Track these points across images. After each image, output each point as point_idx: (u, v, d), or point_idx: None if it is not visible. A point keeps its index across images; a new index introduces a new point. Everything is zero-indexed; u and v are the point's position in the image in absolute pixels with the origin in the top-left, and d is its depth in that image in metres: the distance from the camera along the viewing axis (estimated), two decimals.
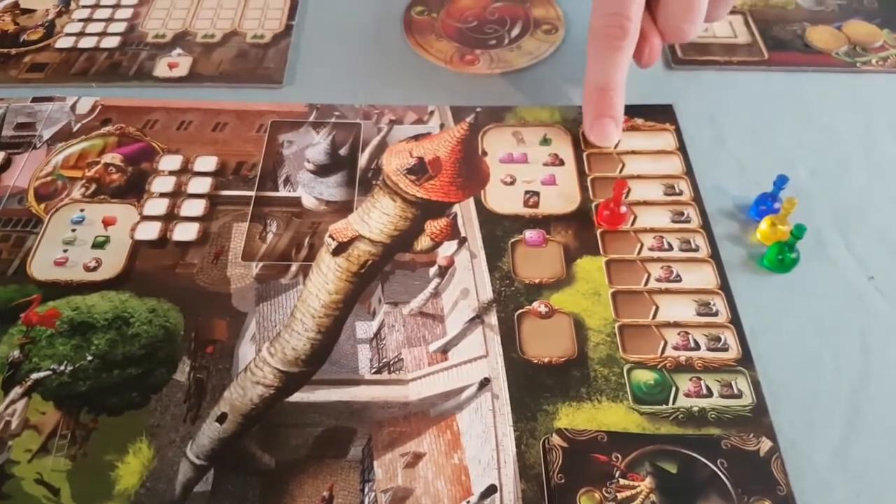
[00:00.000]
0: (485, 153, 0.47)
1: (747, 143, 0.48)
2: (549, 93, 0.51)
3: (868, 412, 0.36)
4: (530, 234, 0.43)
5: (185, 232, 0.43)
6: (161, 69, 0.53)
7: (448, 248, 0.42)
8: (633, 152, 0.47)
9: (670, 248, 0.42)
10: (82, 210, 0.45)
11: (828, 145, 0.48)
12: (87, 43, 0.55)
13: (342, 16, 0.57)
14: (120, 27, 0.56)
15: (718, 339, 0.38)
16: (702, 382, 0.37)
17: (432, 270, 0.42)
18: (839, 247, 0.43)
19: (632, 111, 0.48)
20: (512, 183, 0.46)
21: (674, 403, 0.36)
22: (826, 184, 0.45)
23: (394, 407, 0.37)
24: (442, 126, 0.49)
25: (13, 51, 0.55)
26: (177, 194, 0.46)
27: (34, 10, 0.58)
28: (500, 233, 0.43)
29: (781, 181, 0.43)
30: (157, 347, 0.39)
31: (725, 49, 0.53)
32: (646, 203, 0.44)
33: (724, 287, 0.40)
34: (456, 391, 0.37)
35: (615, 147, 0.47)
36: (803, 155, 0.47)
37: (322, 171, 0.47)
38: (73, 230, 0.44)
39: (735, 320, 0.39)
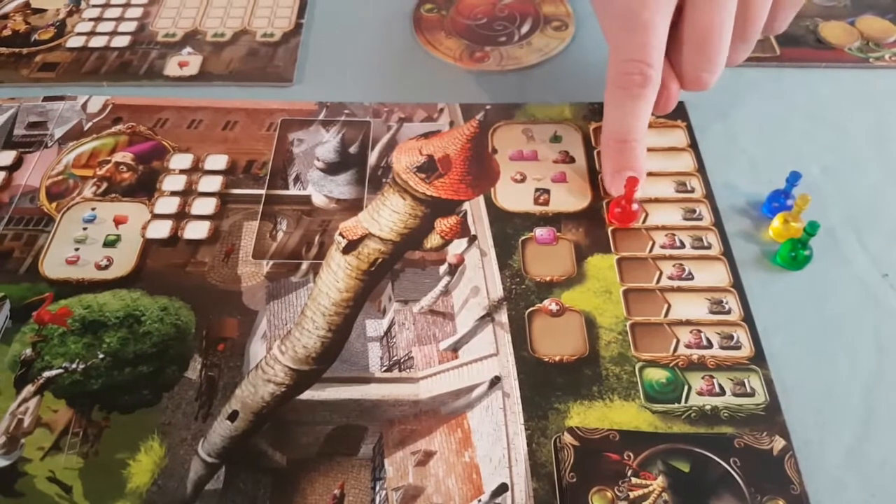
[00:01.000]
0: (495, 151, 0.47)
1: (759, 139, 0.47)
2: (559, 90, 0.51)
3: (882, 411, 0.36)
4: (541, 232, 0.43)
5: (196, 230, 0.44)
6: (171, 68, 0.53)
7: (458, 245, 0.42)
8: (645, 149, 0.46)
9: (682, 245, 0.42)
10: (93, 209, 0.45)
11: (840, 141, 0.47)
12: (97, 42, 0.55)
13: (351, 14, 0.57)
14: (130, 26, 0.56)
15: (731, 338, 0.38)
16: (714, 381, 0.37)
17: (442, 268, 0.42)
18: (853, 244, 0.42)
19: None
20: (522, 180, 0.45)
21: (686, 402, 0.36)
22: (839, 180, 0.45)
23: (404, 405, 0.37)
24: (451, 124, 0.49)
25: (24, 50, 0.55)
26: (187, 193, 0.46)
27: (45, 10, 0.58)
28: (510, 230, 0.43)
29: (794, 178, 0.42)
30: (169, 345, 0.39)
31: None
32: (657, 200, 0.44)
33: (737, 285, 0.40)
34: (466, 389, 0.37)
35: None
36: (816, 151, 0.47)
37: (332, 169, 0.47)
38: (85, 229, 0.44)
39: (748, 318, 0.39)
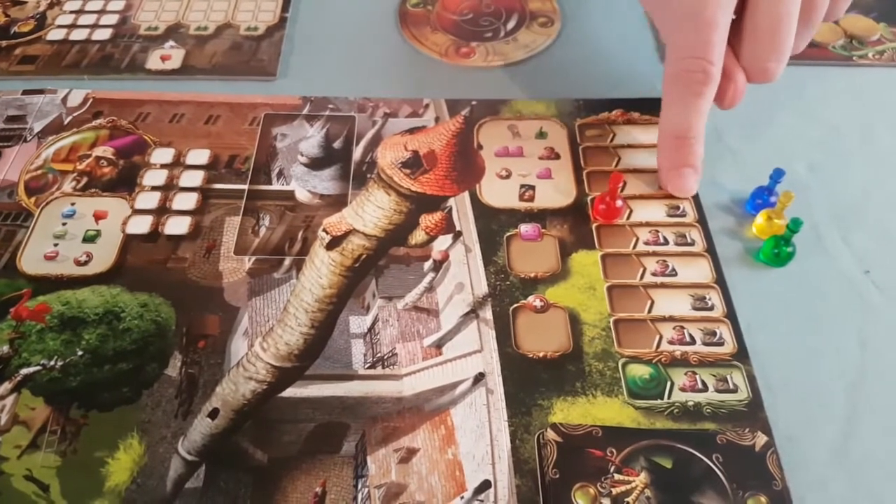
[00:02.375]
0: (480, 147, 0.47)
1: (743, 136, 0.47)
2: (545, 86, 0.51)
3: (865, 407, 0.36)
4: (525, 228, 0.43)
5: (177, 226, 0.43)
6: (153, 62, 0.52)
7: (443, 242, 0.42)
8: (629, 146, 0.46)
9: (666, 242, 0.42)
10: (73, 204, 0.44)
11: (824, 139, 0.47)
12: (78, 35, 0.55)
13: (337, 8, 0.57)
14: (112, 19, 0.56)
15: (714, 334, 0.38)
16: (697, 377, 0.37)
17: (427, 265, 0.41)
18: (835, 241, 0.42)
19: (627, 105, 0.48)
20: (507, 177, 0.45)
21: (669, 398, 0.36)
22: (822, 177, 0.45)
23: (388, 402, 0.37)
24: (437, 119, 0.48)
25: (4, 43, 0.54)
26: (169, 188, 0.45)
27: (25, 2, 0.58)
28: (495, 227, 0.43)
29: (778, 175, 0.42)
30: (149, 342, 0.38)
31: None
32: (641, 197, 0.44)
33: (720, 281, 0.40)
34: (450, 386, 0.37)
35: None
36: (800, 149, 0.47)
37: (316, 164, 0.46)
38: (64, 224, 0.43)
39: (731, 314, 0.39)
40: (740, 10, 0.41)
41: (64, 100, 0.50)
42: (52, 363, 0.38)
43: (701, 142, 0.42)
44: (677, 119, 0.42)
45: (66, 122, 0.49)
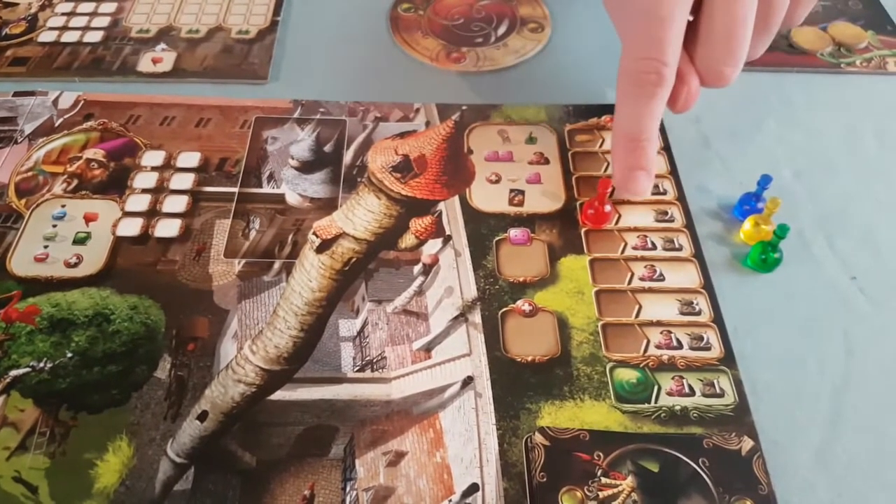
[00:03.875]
0: (470, 151, 0.47)
1: (732, 142, 0.48)
2: (535, 91, 0.51)
3: (850, 412, 0.37)
4: (515, 233, 0.43)
5: (167, 228, 0.43)
6: (145, 64, 0.52)
7: (433, 246, 0.42)
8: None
9: (654, 247, 0.42)
10: (63, 206, 0.44)
11: (812, 146, 0.48)
12: (70, 37, 0.55)
13: (328, 12, 0.57)
14: (103, 21, 0.56)
15: (701, 339, 0.39)
16: (684, 381, 0.37)
17: (417, 268, 0.42)
18: (822, 247, 0.43)
19: None
20: (497, 181, 0.45)
21: (656, 402, 0.36)
22: (809, 184, 0.46)
23: (376, 405, 0.37)
24: (428, 124, 0.49)
25: None
26: (159, 190, 0.45)
27: (17, 4, 0.58)
28: (484, 231, 0.43)
29: (765, 181, 0.43)
30: (138, 345, 0.38)
31: None
32: (630, 202, 0.44)
33: (708, 286, 0.41)
34: (439, 389, 0.37)
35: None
36: (787, 155, 0.47)
37: (306, 167, 0.46)
38: (54, 226, 0.43)
39: (718, 319, 0.39)
40: (696, 11, 0.40)
41: (55, 102, 0.50)
42: (42, 365, 0.38)
43: (654, 144, 0.41)
44: (630, 120, 0.41)
45: (56, 124, 0.49)
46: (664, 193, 0.45)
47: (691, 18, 0.40)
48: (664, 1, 0.39)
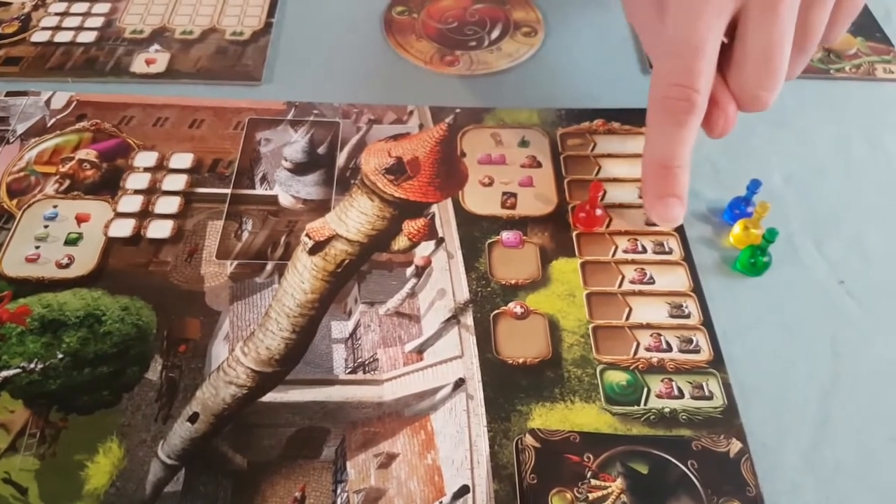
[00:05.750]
0: (463, 154, 0.47)
1: (722, 147, 0.48)
2: (527, 95, 0.51)
3: (838, 415, 0.37)
4: (507, 235, 0.43)
5: (160, 229, 0.43)
6: (138, 65, 0.52)
7: (425, 248, 0.42)
8: (610, 155, 0.47)
9: (644, 250, 0.42)
10: (55, 206, 0.44)
11: (801, 151, 0.48)
12: (63, 37, 0.54)
13: (322, 14, 0.57)
14: (97, 22, 0.56)
15: (690, 341, 0.39)
16: (673, 384, 0.37)
17: (409, 270, 0.42)
18: (811, 251, 0.43)
19: (608, 115, 0.49)
20: (490, 184, 0.46)
21: (645, 404, 0.37)
22: (799, 189, 0.46)
23: (368, 407, 0.37)
24: (421, 126, 0.49)
25: None
26: (151, 191, 0.45)
27: (10, 4, 0.57)
28: (477, 233, 0.43)
29: (754, 185, 0.43)
30: (129, 346, 0.38)
31: None
32: (621, 206, 0.44)
33: (697, 290, 0.41)
34: (431, 391, 0.37)
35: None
36: (777, 160, 0.48)
37: (300, 169, 0.46)
38: (46, 226, 0.43)
39: (707, 322, 0.40)
40: (732, 33, 0.39)
41: (48, 102, 0.50)
42: (33, 366, 0.38)
43: (686, 171, 0.40)
44: (661, 148, 0.40)
45: (49, 125, 0.49)
46: None
47: (726, 41, 0.39)
48: (697, 27, 0.38)
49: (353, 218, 0.42)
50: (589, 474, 0.34)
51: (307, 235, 0.41)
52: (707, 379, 0.38)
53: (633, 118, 0.49)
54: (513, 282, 0.41)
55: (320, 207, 0.44)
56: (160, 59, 0.53)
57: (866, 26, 0.56)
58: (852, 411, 0.37)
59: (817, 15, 0.39)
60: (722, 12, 0.38)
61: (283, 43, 0.55)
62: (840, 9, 0.40)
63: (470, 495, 0.34)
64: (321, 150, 0.48)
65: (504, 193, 0.45)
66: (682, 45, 0.38)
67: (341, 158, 0.47)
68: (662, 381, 0.37)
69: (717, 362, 0.38)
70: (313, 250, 0.41)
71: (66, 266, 0.41)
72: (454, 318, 0.40)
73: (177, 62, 0.53)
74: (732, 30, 0.39)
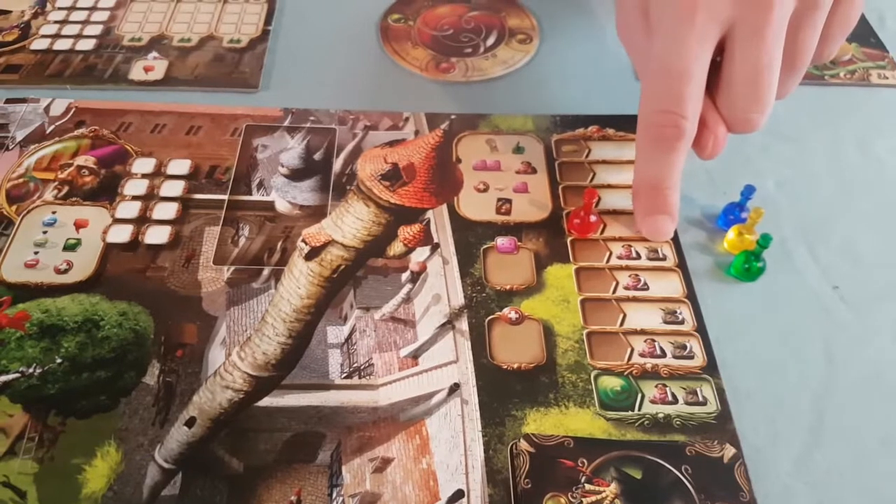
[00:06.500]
0: (459, 160, 0.47)
1: None
2: (522, 101, 0.52)
3: (831, 420, 0.37)
4: (502, 241, 0.43)
5: (157, 235, 0.43)
6: (136, 72, 0.53)
7: (421, 253, 0.43)
8: (604, 162, 0.47)
9: (638, 256, 0.43)
10: (54, 212, 0.45)
11: (795, 157, 0.49)
12: (62, 45, 0.55)
13: (319, 22, 0.58)
14: (96, 30, 0.56)
15: (684, 347, 0.39)
16: (667, 389, 0.38)
17: (404, 276, 0.42)
18: (804, 256, 0.43)
19: (603, 121, 0.49)
20: (485, 190, 0.46)
21: (639, 410, 0.37)
22: (793, 194, 0.46)
23: (363, 412, 0.37)
24: (417, 132, 0.49)
25: None
26: (149, 197, 0.45)
27: (9, 12, 0.58)
28: (472, 239, 0.43)
29: (749, 191, 0.43)
30: (127, 351, 0.39)
31: None
32: (615, 212, 0.45)
33: (691, 295, 0.41)
34: (426, 396, 0.38)
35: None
36: (771, 166, 0.48)
37: (296, 175, 0.47)
38: (45, 232, 0.44)
39: (701, 328, 0.40)
40: (720, 57, 0.39)
41: (47, 109, 0.50)
42: (31, 370, 0.38)
43: (676, 190, 0.40)
44: (651, 171, 0.41)
45: (48, 131, 0.49)
46: None
47: (719, 59, 0.39)
48: (683, 54, 0.38)
49: (349, 223, 0.42)
50: (583, 479, 0.34)
51: (303, 241, 0.42)
52: (701, 384, 0.38)
53: (627, 125, 0.49)
54: (507, 287, 0.41)
55: (317, 213, 0.44)
56: (158, 66, 0.53)
57: (860, 32, 0.57)
58: (845, 416, 0.37)
59: (807, 35, 0.39)
60: (706, 37, 0.38)
61: (280, 50, 0.55)
62: (832, 25, 0.40)
63: (465, 500, 0.34)
64: (317, 156, 0.48)
65: (499, 199, 0.45)
66: (668, 71, 0.38)
67: (337, 164, 0.47)
68: (656, 386, 0.38)
69: (711, 368, 0.38)
70: (310, 256, 0.41)
71: (65, 272, 0.42)
72: (449, 324, 0.40)
73: (174, 69, 0.53)
74: (722, 50, 0.39)
